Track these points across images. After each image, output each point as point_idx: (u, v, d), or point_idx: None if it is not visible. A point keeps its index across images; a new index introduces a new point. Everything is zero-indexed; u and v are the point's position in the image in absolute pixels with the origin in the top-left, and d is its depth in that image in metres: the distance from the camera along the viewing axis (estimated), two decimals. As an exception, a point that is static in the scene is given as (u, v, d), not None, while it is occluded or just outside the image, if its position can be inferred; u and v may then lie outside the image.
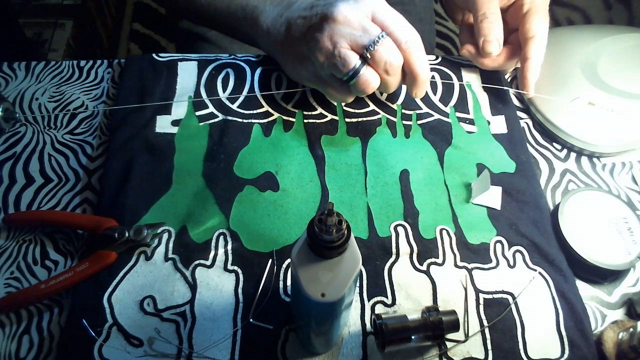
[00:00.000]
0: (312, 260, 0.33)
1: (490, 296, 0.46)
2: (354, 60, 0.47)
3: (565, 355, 0.43)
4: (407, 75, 0.50)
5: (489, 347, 0.43)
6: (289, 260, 0.47)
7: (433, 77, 0.60)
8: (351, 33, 0.47)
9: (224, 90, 0.57)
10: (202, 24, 0.67)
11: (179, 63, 0.59)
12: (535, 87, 0.58)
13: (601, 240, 0.48)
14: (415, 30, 0.49)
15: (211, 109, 0.56)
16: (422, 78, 0.50)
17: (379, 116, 0.56)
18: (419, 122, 0.56)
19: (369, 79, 0.48)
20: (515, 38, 0.57)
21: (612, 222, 0.49)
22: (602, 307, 0.47)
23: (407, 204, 0.50)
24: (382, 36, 0.47)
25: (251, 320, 0.43)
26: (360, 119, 0.56)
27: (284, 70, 0.55)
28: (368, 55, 0.47)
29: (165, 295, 0.44)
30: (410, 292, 0.46)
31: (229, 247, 0.47)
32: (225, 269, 0.46)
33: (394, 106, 0.57)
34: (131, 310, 0.43)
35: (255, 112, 0.56)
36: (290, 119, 0.56)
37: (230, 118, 0.55)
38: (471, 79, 0.60)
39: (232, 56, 0.60)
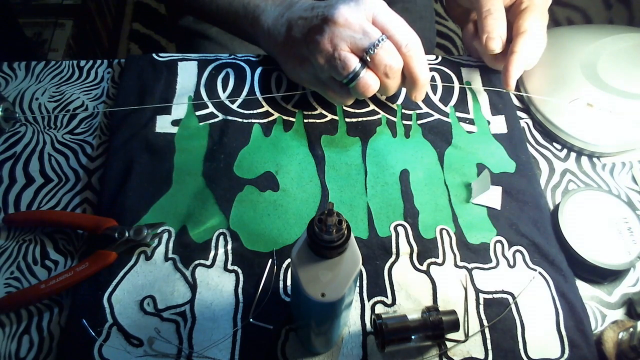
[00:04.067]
0: (312, 260, 0.33)
1: (490, 296, 0.46)
2: (353, 63, 0.47)
3: (565, 355, 0.43)
4: (407, 78, 0.50)
5: (489, 347, 0.43)
6: (289, 260, 0.47)
7: (433, 78, 0.60)
8: (351, 36, 0.47)
9: (224, 90, 0.57)
10: (203, 20, 0.67)
11: (179, 63, 0.59)
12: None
13: (601, 240, 0.48)
14: (416, 34, 0.49)
15: (211, 108, 0.56)
16: (421, 81, 0.50)
17: (379, 116, 0.56)
18: (419, 122, 0.56)
19: (369, 82, 0.48)
20: (513, 32, 0.57)
21: (612, 222, 0.49)
22: (602, 307, 0.47)
23: (407, 203, 0.50)
24: (383, 39, 0.47)
25: (251, 320, 0.43)
26: (360, 119, 0.56)
27: (284, 71, 0.55)
28: (368, 58, 0.47)
29: (165, 295, 0.44)
30: (410, 292, 0.46)
31: (229, 247, 0.47)
32: (225, 268, 0.46)
33: (394, 106, 0.57)
34: (131, 310, 0.43)
35: (255, 112, 0.56)
36: (290, 118, 0.56)
37: (230, 118, 0.55)
38: (471, 79, 0.60)
39: (232, 56, 0.60)
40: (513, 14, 0.57)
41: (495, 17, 0.54)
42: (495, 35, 0.54)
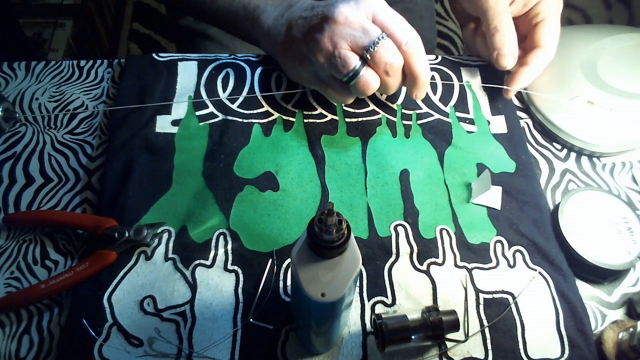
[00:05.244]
0: (312, 260, 0.33)
1: (490, 296, 0.46)
2: (354, 61, 0.47)
3: (565, 355, 0.43)
4: (407, 76, 0.50)
5: (489, 347, 0.43)
6: (289, 260, 0.47)
7: (433, 77, 0.60)
8: (351, 34, 0.47)
9: (224, 90, 0.57)
10: (204, 20, 0.67)
11: (179, 63, 0.59)
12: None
13: (601, 240, 0.48)
14: (416, 32, 0.49)
15: (211, 108, 0.56)
16: (422, 79, 0.50)
17: (379, 116, 0.56)
18: (419, 121, 0.56)
19: (369, 80, 0.48)
20: (527, 44, 0.57)
21: (612, 222, 0.49)
22: (602, 307, 0.47)
23: (407, 203, 0.50)
24: (383, 37, 0.47)
25: (251, 320, 0.43)
26: (360, 119, 0.56)
27: (284, 71, 0.55)
28: (368, 56, 0.47)
29: (165, 295, 0.44)
30: (410, 292, 0.46)
31: (229, 247, 0.47)
32: (225, 268, 0.46)
33: (394, 106, 0.57)
34: (131, 310, 0.43)
35: (255, 112, 0.56)
36: (290, 118, 0.56)
37: (230, 118, 0.55)
38: (471, 79, 0.60)
39: (232, 56, 0.60)
40: (527, 23, 0.57)
41: (503, 33, 0.54)
42: (506, 52, 0.55)
